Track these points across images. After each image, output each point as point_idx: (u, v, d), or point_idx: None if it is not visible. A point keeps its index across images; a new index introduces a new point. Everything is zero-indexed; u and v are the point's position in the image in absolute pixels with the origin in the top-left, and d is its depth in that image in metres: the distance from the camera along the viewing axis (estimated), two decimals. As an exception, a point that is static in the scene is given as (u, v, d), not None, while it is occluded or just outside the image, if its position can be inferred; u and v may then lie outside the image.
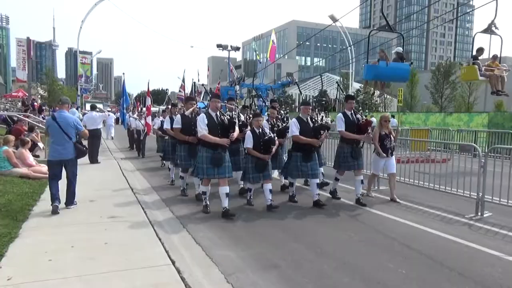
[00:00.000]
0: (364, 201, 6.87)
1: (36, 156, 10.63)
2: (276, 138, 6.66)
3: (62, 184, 6.01)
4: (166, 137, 9.43)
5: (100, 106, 34.26)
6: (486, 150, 7.34)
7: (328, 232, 5.35)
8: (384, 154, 7.00)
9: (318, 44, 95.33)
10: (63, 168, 5.98)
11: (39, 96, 42.19)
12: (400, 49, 9.03)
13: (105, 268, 3.79)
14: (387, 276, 3.91)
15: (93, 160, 10.95)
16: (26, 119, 14.38)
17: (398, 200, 7.07)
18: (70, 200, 6.08)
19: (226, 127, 5.91)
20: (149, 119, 13.86)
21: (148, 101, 14.70)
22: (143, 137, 13.98)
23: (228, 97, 12.38)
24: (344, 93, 7.31)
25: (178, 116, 7.11)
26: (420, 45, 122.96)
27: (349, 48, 37.51)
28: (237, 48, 39.07)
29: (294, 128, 6.55)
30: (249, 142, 6.34)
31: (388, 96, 37.12)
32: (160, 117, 15.15)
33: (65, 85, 68.59)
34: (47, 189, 7.33)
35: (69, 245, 4.37)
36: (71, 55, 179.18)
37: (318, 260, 4.33)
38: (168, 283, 3.52)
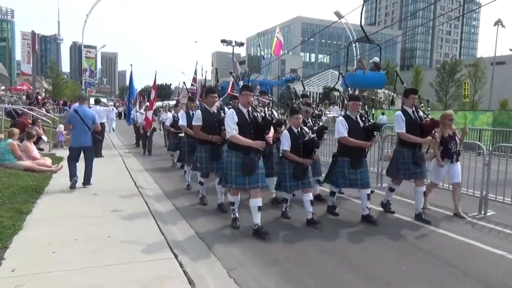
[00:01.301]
0: (427, 217, 5.77)
1: (40, 150, 10.68)
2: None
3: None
4: (182, 134, 8.85)
5: (104, 100, 34.46)
6: (490, 149, 7.31)
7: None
8: (443, 163, 6.00)
9: (323, 41, 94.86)
10: (81, 153, 7.13)
11: (44, 90, 42.30)
12: (376, 59, 10.07)
13: (108, 261, 3.82)
14: (390, 272, 3.91)
15: (97, 154, 10.97)
16: (31, 112, 14.42)
17: (463, 214, 6.01)
18: (87, 180, 7.18)
19: (261, 127, 4.87)
20: (149, 113, 12.99)
21: (152, 94, 13.67)
22: (150, 133, 13.16)
23: (260, 90, 11.30)
24: (404, 85, 6.28)
25: (198, 111, 6.05)
26: (425, 42, 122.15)
27: (353, 45, 37.33)
28: (241, 44, 39.03)
29: (341, 128, 5.56)
30: (286, 144, 5.33)
31: (392, 93, 36.93)
32: (169, 111, 14.43)
33: (69, 79, 68.71)
34: (51, 182, 7.41)
35: (73, 238, 4.40)
36: (76, 49, 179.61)
37: (321, 257, 4.34)
38: (171, 277, 3.54)
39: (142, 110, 14.68)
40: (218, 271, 3.86)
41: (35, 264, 3.68)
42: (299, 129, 5.45)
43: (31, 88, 32.58)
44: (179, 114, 8.71)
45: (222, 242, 4.70)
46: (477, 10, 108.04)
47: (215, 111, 5.98)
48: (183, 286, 3.37)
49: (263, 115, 4.96)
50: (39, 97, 27.57)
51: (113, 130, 20.27)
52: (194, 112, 7.09)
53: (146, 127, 12.97)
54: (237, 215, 5.30)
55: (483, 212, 6.14)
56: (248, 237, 4.87)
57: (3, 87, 39.78)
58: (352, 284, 3.69)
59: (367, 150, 5.75)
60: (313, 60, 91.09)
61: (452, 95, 53.00)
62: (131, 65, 15.82)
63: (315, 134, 5.66)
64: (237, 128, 4.77)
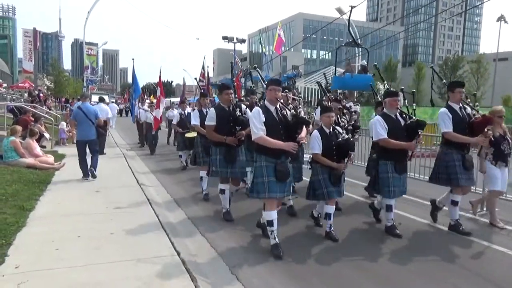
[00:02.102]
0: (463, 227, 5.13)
1: (42, 147, 10.71)
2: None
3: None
4: (190, 135, 8.69)
5: (106, 97, 34.49)
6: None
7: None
8: (485, 168, 5.44)
9: (325, 37, 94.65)
10: (87, 147, 7.69)
11: (45, 87, 42.35)
12: (364, 62, 10.57)
13: (110, 258, 3.83)
14: (395, 270, 3.91)
15: (100, 151, 11.00)
16: (33, 109, 14.45)
17: (501, 224, 5.39)
18: (93, 174, 7.66)
19: (292, 127, 4.22)
20: (157, 112, 12.09)
21: (159, 92, 12.69)
22: (154, 131, 12.38)
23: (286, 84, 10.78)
24: (444, 81, 6.11)
25: (212, 110, 5.44)
26: (427, 38, 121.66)
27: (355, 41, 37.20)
28: (243, 41, 38.87)
29: (379, 128, 4.84)
30: (316, 146, 4.67)
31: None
32: (175, 109, 13.71)
33: (71, 76, 68.77)
34: (54, 179, 7.45)
35: (76, 235, 4.42)
36: (77, 46, 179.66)
37: (325, 255, 4.36)
38: (173, 274, 3.55)
39: (145, 107, 14.01)
40: (221, 267, 3.87)
41: (38, 260, 3.70)
42: (331, 129, 4.79)
43: (33, 85, 32.66)
44: (191, 112, 8.09)
45: (224, 238, 4.71)
46: (479, 6, 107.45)
47: (230, 109, 5.35)
48: (185, 283, 3.38)
49: (294, 112, 4.33)
50: (41, 94, 27.60)
51: (113, 126, 20.18)
52: (208, 109, 6.52)
53: (155, 127, 12.16)
54: (277, 240, 4.27)
55: (485, 209, 6.12)
56: (250, 233, 4.87)
57: (5, 85, 39.82)
58: (358, 283, 3.70)
59: (412, 152, 5.04)
60: (314, 57, 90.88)
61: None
62: (132, 59, 14.66)
63: (349, 135, 4.96)
64: (265, 128, 4.12)
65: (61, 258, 3.77)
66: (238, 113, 5.26)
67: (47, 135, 12.02)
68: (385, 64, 62.37)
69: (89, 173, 7.59)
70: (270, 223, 4.23)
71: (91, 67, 43.45)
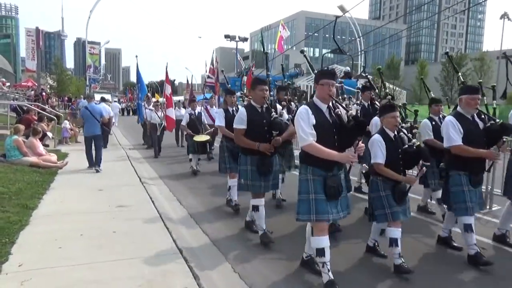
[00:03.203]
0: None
1: (45, 146, 10.74)
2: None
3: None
4: (201, 139, 8.37)
5: (108, 96, 34.58)
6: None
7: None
8: None
9: (327, 35, 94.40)
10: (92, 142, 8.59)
11: (48, 86, 42.48)
12: (348, 68, 10.81)
13: (113, 256, 3.84)
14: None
15: (104, 144, 11.39)
16: (36, 108, 14.49)
17: None
18: (98, 163, 8.50)
19: (350, 131, 3.28)
20: (170, 111, 11.17)
21: (168, 89, 11.81)
22: (160, 132, 11.76)
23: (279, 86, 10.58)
24: None
25: (242, 110, 4.47)
26: (430, 36, 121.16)
27: (358, 39, 37.12)
28: (245, 39, 38.88)
29: (453, 132, 3.98)
30: (379, 154, 3.76)
31: (397, 88, 36.79)
32: (185, 108, 13.20)
33: (74, 75, 68.92)
34: (57, 178, 7.48)
35: (78, 233, 4.43)
36: (80, 45, 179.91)
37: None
38: (176, 272, 3.56)
39: (151, 106, 13.13)
40: (223, 266, 3.88)
41: (41, 259, 3.71)
42: (395, 132, 3.88)
43: (36, 84, 32.69)
44: (217, 112, 7.27)
45: (227, 237, 4.72)
46: (482, 3, 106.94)
47: (264, 109, 4.43)
48: (188, 281, 3.39)
49: (353, 113, 3.40)
50: (44, 93, 27.66)
51: (116, 124, 20.30)
52: (235, 109, 5.91)
53: (170, 128, 11.55)
54: (331, 274, 3.36)
55: (488, 207, 6.11)
56: (253, 232, 4.87)
57: (8, 84, 39.96)
58: (360, 281, 3.69)
59: (492, 162, 4.31)
60: (317, 55, 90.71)
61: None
62: (136, 56, 13.61)
63: (415, 140, 3.86)
64: (315, 133, 3.23)
65: (64, 257, 3.78)
66: (274, 114, 4.32)
67: (50, 134, 12.06)
68: (387, 62, 62.09)
69: (94, 167, 8.48)
70: (321, 252, 3.34)
71: (94, 66, 43.51)
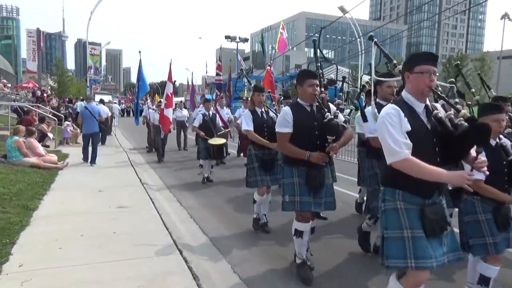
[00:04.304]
0: None
1: (46, 146, 10.76)
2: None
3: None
4: (216, 141, 7.64)
5: (109, 97, 34.65)
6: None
7: None
8: None
9: (328, 36, 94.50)
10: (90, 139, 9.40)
11: (49, 87, 42.58)
12: (332, 76, 11.05)
13: (113, 257, 3.85)
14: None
15: (102, 141, 12.68)
16: (37, 109, 14.51)
17: None
18: (93, 160, 9.36)
19: (459, 141, 2.37)
20: (169, 111, 10.39)
21: (170, 88, 10.69)
22: (163, 134, 10.86)
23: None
24: None
25: (286, 109, 3.63)
26: (431, 37, 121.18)
27: (358, 40, 37.14)
28: (246, 40, 38.89)
29: None
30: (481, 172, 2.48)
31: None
32: (184, 109, 13.11)
33: (74, 76, 69.05)
34: (57, 178, 7.49)
35: (79, 234, 4.44)
36: (80, 46, 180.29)
37: (326, 251, 4.35)
38: (176, 272, 3.56)
39: (154, 106, 12.57)
40: (223, 266, 3.88)
41: (42, 259, 3.72)
42: (497, 139, 3.05)
43: (37, 85, 32.80)
44: (242, 113, 6.91)
45: (226, 237, 4.72)
46: (483, 3, 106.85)
47: (315, 109, 3.62)
48: (188, 282, 3.39)
49: (467, 115, 2.36)
50: (45, 94, 27.73)
51: (116, 124, 20.22)
52: (264, 110, 5.07)
53: (166, 129, 10.54)
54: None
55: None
56: (253, 233, 4.88)
57: (9, 85, 40.06)
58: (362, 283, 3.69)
59: None
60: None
61: (457, 91, 52.54)
62: (139, 52, 12.37)
63: None
64: (410, 143, 2.31)
65: (64, 257, 3.79)
66: (328, 115, 3.45)
67: (50, 134, 12.07)
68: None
69: (89, 162, 9.37)
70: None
71: (94, 67, 43.56)
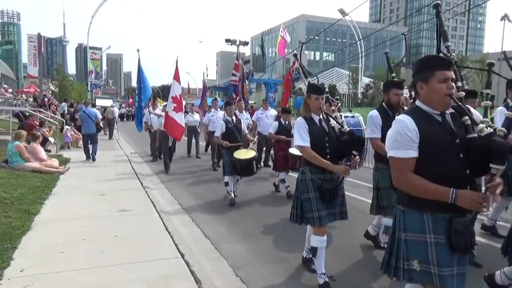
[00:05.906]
0: None
1: (47, 151, 10.78)
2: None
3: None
4: (247, 155, 6.40)
5: (110, 101, 34.74)
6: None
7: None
8: None
9: (328, 38, 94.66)
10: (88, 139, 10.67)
11: (50, 92, 42.70)
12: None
13: (115, 261, 3.84)
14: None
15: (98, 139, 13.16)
16: (38, 114, 14.53)
17: None
18: (93, 157, 10.68)
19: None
20: (180, 116, 8.60)
21: (178, 89, 8.92)
22: (172, 142, 9.71)
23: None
24: None
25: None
26: (431, 38, 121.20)
27: (358, 42, 37.21)
28: (246, 43, 38.94)
29: None
30: None
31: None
32: (196, 113, 12.34)
33: (75, 80, 69.22)
34: (59, 183, 7.49)
35: (80, 238, 4.43)
36: (81, 51, 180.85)
37: (331, 258, 4.34)
38: (178, 276, 3.55)
39: (157, 111, 11.34)
40: (225, 269, 3.87)
41: (43, 264, 3.71)
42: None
43: (38, 90, 32.87)
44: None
45: (228, 240, 4.71)
46: (483, 5, 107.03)
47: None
48: (190, 285, 3.38)
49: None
50: (46, 99, 27.79)
51: (117, 126, 20.19)
52: (323, 118, 3.64)
53: (178, 137, 8.83)
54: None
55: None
56: (254, 235, 4.87)
57: (10, 90, 40.18)
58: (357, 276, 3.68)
59: None
60: (318, 58, 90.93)
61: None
62: (137, 50, 11.46)
63: None
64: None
65: (66, 261, 3.78)
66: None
67: (51, 139, 12.10)
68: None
69: (91, 157, 10.61)
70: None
71: (95, 72, 43.71)
